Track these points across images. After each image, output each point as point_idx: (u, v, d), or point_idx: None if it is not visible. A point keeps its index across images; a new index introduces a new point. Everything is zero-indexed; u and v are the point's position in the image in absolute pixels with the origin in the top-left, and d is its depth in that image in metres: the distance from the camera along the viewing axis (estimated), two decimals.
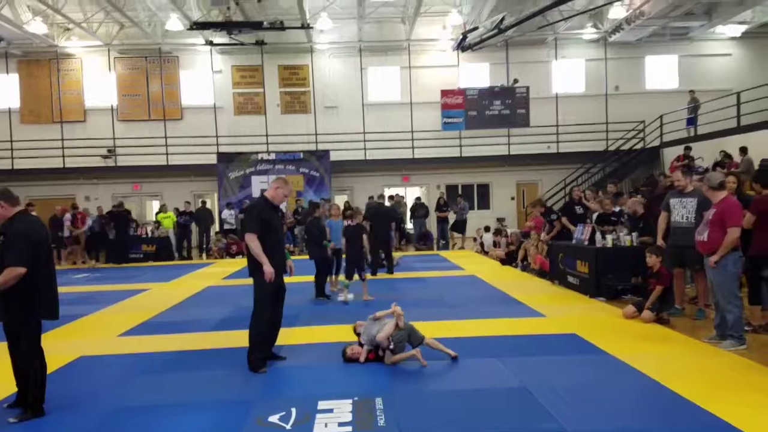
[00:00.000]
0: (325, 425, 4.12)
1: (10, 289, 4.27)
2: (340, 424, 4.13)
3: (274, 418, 4.26)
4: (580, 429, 3.92)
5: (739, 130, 16.37)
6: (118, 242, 17.33)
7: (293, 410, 4.39)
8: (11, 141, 21.30)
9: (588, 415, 4.19)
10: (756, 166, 13.30)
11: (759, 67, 20.92)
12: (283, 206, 19.42)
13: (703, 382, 4.83)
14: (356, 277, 9.34)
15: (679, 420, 4.11)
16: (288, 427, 4.13)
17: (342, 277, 9.78)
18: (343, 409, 4.40)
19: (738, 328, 5.91)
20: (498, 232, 16.78)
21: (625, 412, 4.31)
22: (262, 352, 5.59)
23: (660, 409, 4.34)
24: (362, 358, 5.64)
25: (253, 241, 5.44)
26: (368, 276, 9.87)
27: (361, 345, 5.76)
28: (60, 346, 6.54)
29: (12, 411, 4.49)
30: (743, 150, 14.53)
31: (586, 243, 9.51)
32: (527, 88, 21.24)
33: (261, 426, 4.16)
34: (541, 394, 4.62)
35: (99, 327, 8.02)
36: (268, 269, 5.39)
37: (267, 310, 5.57)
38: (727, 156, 14.99)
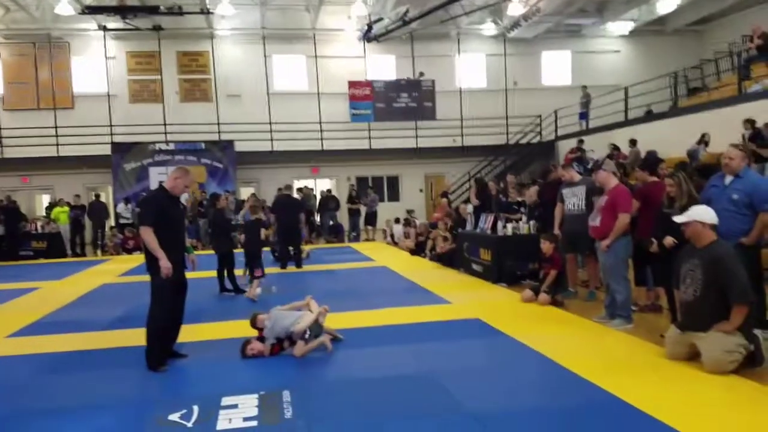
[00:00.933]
0: (230, 421, 4.01)
1: None
2: (245, 419, 4.03)
3: (174, 417, 4.10)
4: (482, 411, 4.05)
5: (627, 123, 17.56)
6: (8, 238, 16.09)
7: (195, 408, 4.23)
8: None
9: (490, 396, 4.35)
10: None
11: (645, 63, 22.39)
12: (184, 198, 18.83)
13: (593, 359, 5.13)
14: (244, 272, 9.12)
15: (572, 395, 4.34)
16: (190, 425, 3.98)
17: (241, 271, 9.57)
18: (249, 404, 4.30)
19: (626, 308, 6.33)
20: (407, 224, 17.05)
21: (523, 391, 4.50)
22: (161, 350, 5.36)
23: (555, 386, 4.58)
24: (267, 353, 5.52)
25: (148, 235, 5.16)
26: (270, 270, 9.64)
27: (260, 339, 5.61)
28: None
29: None
30: (633, 142, 15.59)
31: (488, 232, 9.86)
32: (433, 81, 21.67)
33: (161, 425, 3.99)
34: (446, 378, 4.73)
35: None
36: (164, 264, 5.13)
37: (165, 307, 5.32)
38: (615, 148, 16.01)
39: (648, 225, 6.32)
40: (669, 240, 5.59)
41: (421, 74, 21.68)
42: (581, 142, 18.15)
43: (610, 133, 17.63)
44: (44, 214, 18.59)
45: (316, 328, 5.63)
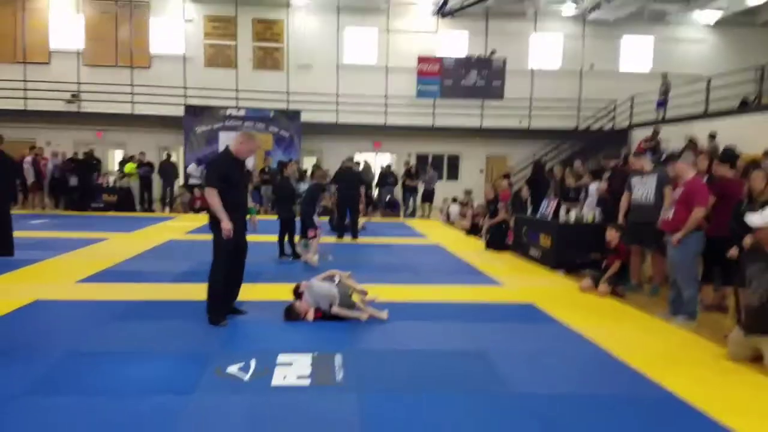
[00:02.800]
0: (284, 377, 4.16)
1: None
2: (299, 377, 4.17)
3: (233, 369, 4.28)
4: (530, 392, 4.04)
5: (707, 116, 16.74)
6: (81, 190, 16.94)
7: (253, 362, 4.41)
8: None
9: (537, 380, 4.32)
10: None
11: (731, 54, 21.28)
12: (250, 164, 19.23)
13: (651, 354, 5.01)
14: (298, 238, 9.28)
15: (624, 386, 4.27)
16: (246, 378, 4.15)
17: (298, 237, 9.75)
18: (303, 363, 4.44)
19: (692, 306, 6.11)
20: (464, 204, 16.93)
21: (573, 378, 4.45)
22: (221, 306, 5.58)
23: (607, 377, 4.49)
24: (311, 316, 5.68)
25: (212, 196, 5.34)
26: (327, 239, 9.76)
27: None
28: (16, 289, 6.42)
29: None
30: (712, 136, 14.87)
31: (549, 217, 9.69)
32: (504, 60, 21.23)
33: (219, 376, 4.17)
34: (493, 358, 4.74)
35: (56, 272, 7.86)
36: (226, 225, 5.30)
37: (225, 266, 5.52)
38: (692, 141, 15.30)
39: (722, 222, 6.07)
40: (748, 241, 5.34)
41: (493, 52, 21.25)
42: (657, 131, 17.44)
43: (688, 125, 16.86)
44: (117, 168, 19.44)
45: (347, 300, 5.80)
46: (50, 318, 5.67)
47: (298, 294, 5.89)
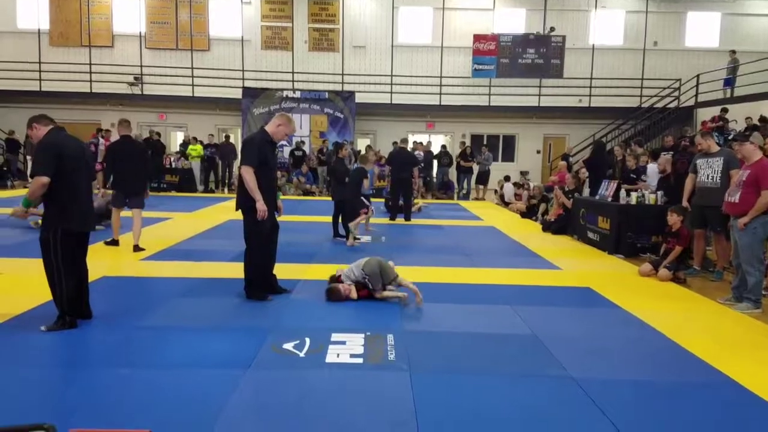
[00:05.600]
0: (337, 355, 4.24)
1: (44, 200, 4.49)
2: (352, 356, 4.24)
3: (288, 346, 4.39)
4: (585, 376, 3.98)
5: None
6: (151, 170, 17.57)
7: (307, 340, 4.52)
8: (39, 63, 21.34)
9: (595, 364, 4.25)
10: None
11: None
12: (307, 147, 19.45)
13: (713, 340, 4.86)
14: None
15: (685, 373, 4.16)
16: (302, 354, 4.26)
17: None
18: (356, 342, 4.52)
19: (756, 292, 5.89)
20: (520, 185, 16.66)
21: (632, 363, 4.36)
22: (259, 284, 5.69)
23: (667, 363, 4.38)
24: (354, 295, 5.72)
25: (249, 175, 5.34)
26: (380, 221, 9.72)
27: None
28: None
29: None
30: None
31: (609, 199, 9.43)
32: (563, 37, 20.63)
33: (276, 352, 4.29)
34: (550, 342, 4.68)
35: (122, 250, 8.21)
36: (261, 207, 5.32)
37: (261, 247, 5.59)
38: (763, 120, 14.55)
39: None
40: None
41: (552, 29, 20.67)
42: (725, 111, 16.65)
43: (757, 104, 16.01)
44: (177, 150, 20.03)
45: (374, 271, 5.73)
46: (116, 294, 5.93)
47: (335, 280, 5.94)
